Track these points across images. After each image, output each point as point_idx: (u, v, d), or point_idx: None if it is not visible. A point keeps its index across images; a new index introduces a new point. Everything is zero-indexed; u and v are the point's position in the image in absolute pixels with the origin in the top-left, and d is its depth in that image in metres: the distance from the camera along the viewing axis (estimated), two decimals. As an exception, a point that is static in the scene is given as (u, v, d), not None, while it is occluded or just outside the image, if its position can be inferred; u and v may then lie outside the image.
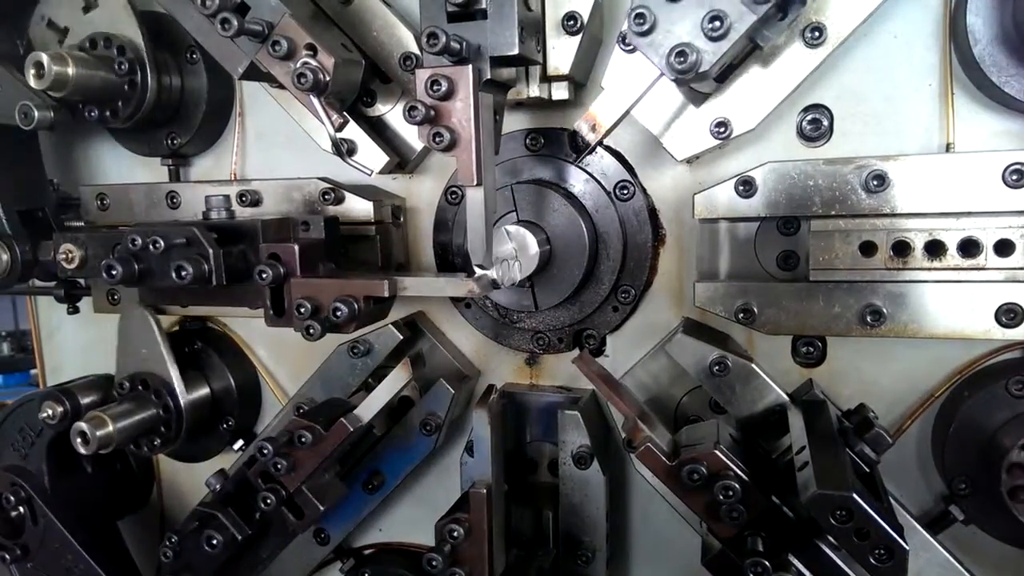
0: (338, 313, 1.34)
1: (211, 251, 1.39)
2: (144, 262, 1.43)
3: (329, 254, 1.50)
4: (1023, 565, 1.48)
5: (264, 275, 1.37)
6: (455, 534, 1.35)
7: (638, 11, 1.17)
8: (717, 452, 1.26)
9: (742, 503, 1.23)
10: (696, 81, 1.29)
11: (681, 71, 1.17)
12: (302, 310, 1.36)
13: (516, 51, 1.22)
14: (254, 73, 1.42)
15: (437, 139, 1.20)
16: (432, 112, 1.20)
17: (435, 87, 1.19)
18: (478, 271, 1.31)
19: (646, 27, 1.18)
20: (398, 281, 1.39)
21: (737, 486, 1.23)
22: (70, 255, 1.56)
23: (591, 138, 1.32)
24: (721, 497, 1.24)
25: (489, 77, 1.24)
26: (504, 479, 1.52)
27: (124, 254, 1.43)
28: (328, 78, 1.34)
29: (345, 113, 1.46)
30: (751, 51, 1.33)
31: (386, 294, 1.36)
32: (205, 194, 1.57)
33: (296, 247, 1.39)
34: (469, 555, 1.36)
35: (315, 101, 1.36)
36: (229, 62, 1.43)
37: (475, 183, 1.23)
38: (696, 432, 1.40)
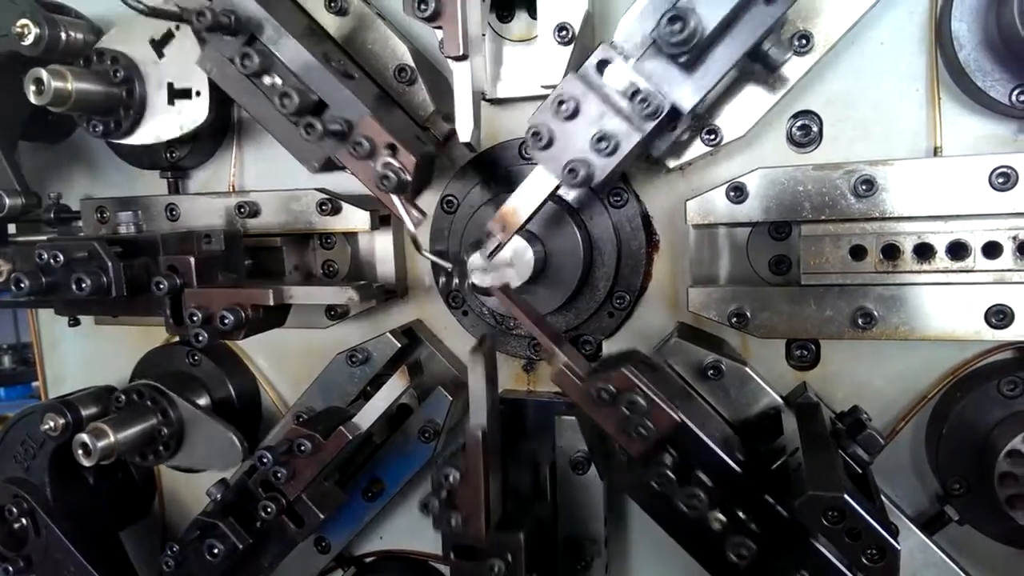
0: (225, 321, 1.42)
1: (110, 264, 1.47)
2: (52, 275, 1.49)
3: (232, 266, 1.59)
4: (1018, 564, 1.50)
5: (161, 286, 1.45)
6: (450, 478, 1.32)
7: (534, 130, 1.22)
8: (624, 371, 1.24)
9: (648, 417, 1.23)
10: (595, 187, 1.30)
11: (576, 184, 1.22)
12: (194, 318, 1.44)
13: None
14: (327, 166, 1.45)
15: (422, 7, 1.21)
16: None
17: None
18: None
19: (543, 143, 1.22)
20: (284, 290, 1.49)
21: (642, 401, 1.22)
22: None
23: (501, 237, 1.33)
24: (627, 412, 1.23)
25: None
26: (499, 431, 1.45)
27: (32, 268, 1.49)
28: (409, 177, 1.33)
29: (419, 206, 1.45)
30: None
31: (271, 302, 1.46)
32: (118, 212, 1.67)
33: (191, 259, 1.48)
34: (465, 500, 1.33)
35: (396, 200, 1.37)
36: (305, 159, 1.49)
37: (461, 54, 1.23)
38: (612, 358, 1.39)
